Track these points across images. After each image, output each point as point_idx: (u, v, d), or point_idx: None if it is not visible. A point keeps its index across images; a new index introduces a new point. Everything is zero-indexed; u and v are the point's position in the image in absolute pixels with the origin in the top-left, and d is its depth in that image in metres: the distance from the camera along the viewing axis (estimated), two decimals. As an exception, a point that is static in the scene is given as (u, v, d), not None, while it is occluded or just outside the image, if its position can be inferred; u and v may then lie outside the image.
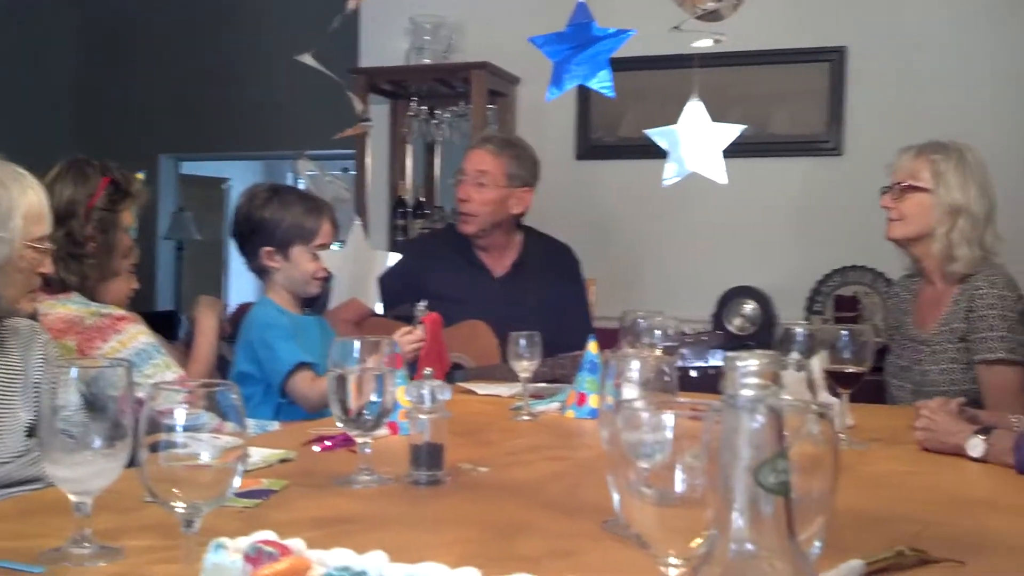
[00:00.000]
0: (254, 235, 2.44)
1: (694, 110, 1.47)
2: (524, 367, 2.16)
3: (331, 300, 1.60)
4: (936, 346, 2.45)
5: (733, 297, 4.14)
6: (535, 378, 2.30)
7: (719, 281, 4.13)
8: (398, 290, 2.82)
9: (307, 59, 1.41)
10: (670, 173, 1.52)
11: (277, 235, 2.42)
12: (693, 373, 2.39)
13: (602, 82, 1.29)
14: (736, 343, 3.93)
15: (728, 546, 0.59)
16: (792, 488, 0.59)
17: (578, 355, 2.22)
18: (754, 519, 0.58)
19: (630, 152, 4.17)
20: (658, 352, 2.19)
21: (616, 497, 0.81)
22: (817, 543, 0.82)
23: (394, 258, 1.68)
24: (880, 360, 2.66)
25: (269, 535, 0.91)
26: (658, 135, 1.52)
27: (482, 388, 2.44)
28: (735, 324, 4.13)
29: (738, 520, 0.59)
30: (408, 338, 2.33)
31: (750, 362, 0.59)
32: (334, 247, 2.32)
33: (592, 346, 2.16)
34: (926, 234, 2.47)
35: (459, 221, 2.99)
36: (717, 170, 1.48)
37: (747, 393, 0.59)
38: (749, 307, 4.12)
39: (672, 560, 0.79)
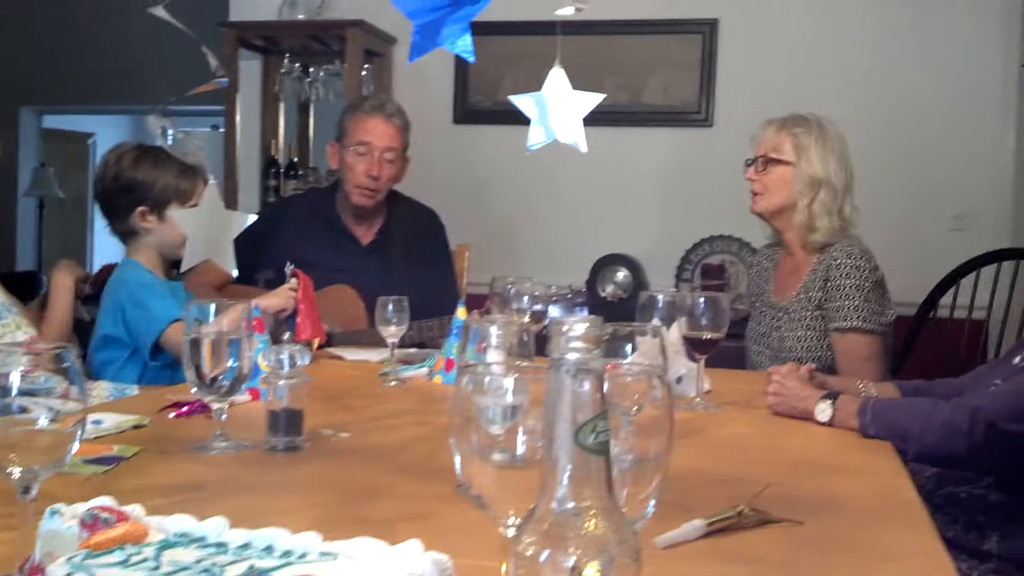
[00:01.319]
0: (126, 195, 2.38)
1: (556, 77, 1.47)
2: (392, 332, 2.15)
3: (184, 262, 1.55)
4: (794, 314, 2.54)
5: (606, 264, 4.21)
6: (404, 343, 2.30)
7: (593, 248, 4.20)
8: (254, 255, 2.76)
9: (159, 11, 1.35)
10: (534, 139, 1.52)
11: (152, 195, 2.36)
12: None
13: (463, 46, 1.28)
14: (602, 303, 4.02)
15: (551, 505, 0.60)
16: (611, 448, 0.60)
17: (447, 319, 2.23)
18: (575, 478, 0.60)
19: (508, 117, 4.11)
20: (526, 318, 2.22)
21: (458, 460, 0.82)
22: (652, 502, 0.85)
23: (251, 219, 1.65)
24: (743, 327, 2.75)
25: (106, 501, 0.89)
26: (522, 101, 1.52)
27: (350, 354, 2.42)
28: (608, 291, 4.20)
29: (561, 479, 0.60)
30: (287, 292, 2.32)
31: (574, 326, 0.61)
32: (189, 207, 2.27)
33: (461, 311, 2.16)
34: (788, 206, 2.54)
35: (357, 194, 2.91)
36: (578, 138, 1.49)
37: (570, 356, 0.60)
38: (621, 274, 4.20)
39: (512, 521, 0.80)
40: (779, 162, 2.53)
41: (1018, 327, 3.37)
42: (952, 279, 3.40)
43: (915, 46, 4.07)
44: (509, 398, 0.81)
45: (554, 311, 2.38)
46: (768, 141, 2.56)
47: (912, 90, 4.07)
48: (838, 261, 2.46)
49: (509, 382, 0.81)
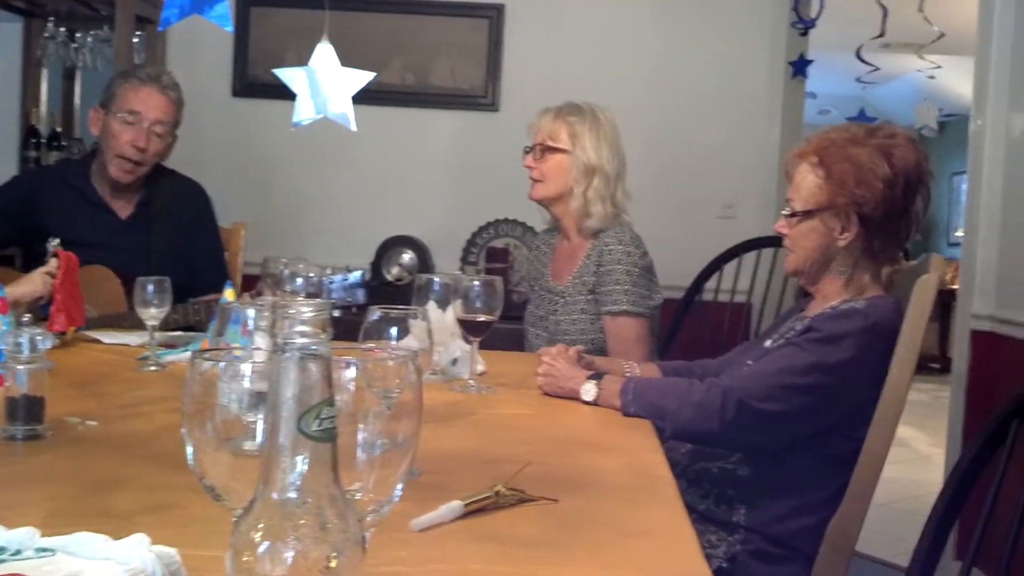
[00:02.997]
0: None
1: (324, 52, 1.44)
2: (152, 315, 2.04)
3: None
4: (569, 297, 2.60)
5: (392, 246, 4.18)
6: (167, 325, 2.19)
7: (379, 230, 4.16)
8: (2, 230, 2.57)
9: None
10: (300, 115, 1.48)
11: None
12: (336, 314, 2.37)
13: (219, 14, 1.23)
14: (386, 285, 4.00)
15: (272, 495, 0.58)
16: (336, 435, 0.58)
17: (213, 300, 2.14)
18: (298, 466, 0.58)
19: (291, 92, 4.06)
20: (300, 298, 2.16)
21: (190, 449, 0.78)
22: (399, 486, 0.83)
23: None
24: (524, 310, 2.80)
25: None
26: (289, 74, 1.47)
27: (108, 337, 2.28)
28: (393, 273, 4.17)
29: (283, 467, 0.58)
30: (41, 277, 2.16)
31: (300, 310, 0.58)
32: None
33: (228, 293, 2.08)
34: (565, 193, 2.60)
35: (117, 166, 2.70)
36: (347, 115, 1.46)
37: (295, 341, 0.58)
38: (407, 256, 4.18)
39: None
40: (556, 150, 2.58)
41: (775, 310, 3.58)
42: (716, 265, 3.57)
43: (692, 41, 4.26)
44: (247, 383, 0.78)
45: (339, 292, 2.33)
46: (545, 129, 2.61)
47: (688, 83, 4.26)
48: (610, 247, 2.53)
49: (247, 367, 0.78)
